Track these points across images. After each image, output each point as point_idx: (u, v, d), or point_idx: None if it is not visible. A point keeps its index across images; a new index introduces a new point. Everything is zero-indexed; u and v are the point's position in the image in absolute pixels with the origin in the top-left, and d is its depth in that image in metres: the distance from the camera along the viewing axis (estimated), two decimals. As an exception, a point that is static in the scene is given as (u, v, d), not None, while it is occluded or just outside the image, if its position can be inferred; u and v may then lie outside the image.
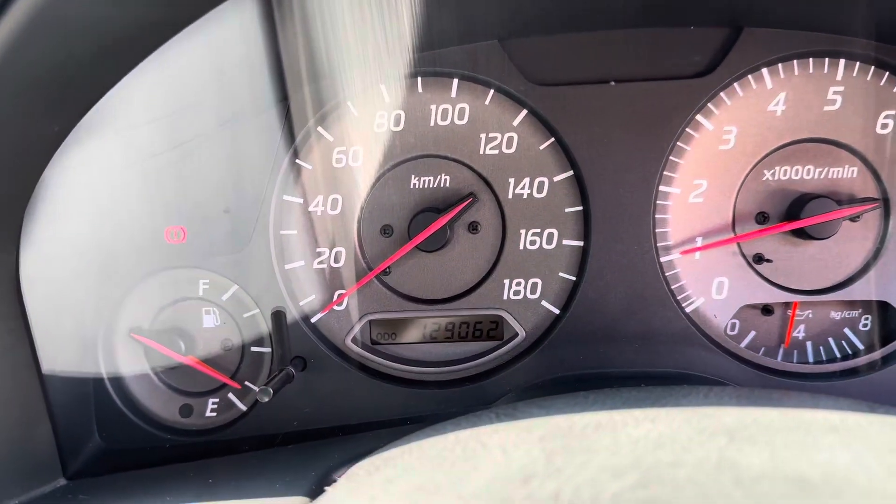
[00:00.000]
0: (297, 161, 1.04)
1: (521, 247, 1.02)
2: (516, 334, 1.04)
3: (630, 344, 0.99)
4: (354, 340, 1.06)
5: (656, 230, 1.00)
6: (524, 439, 0.54)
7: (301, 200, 1.04)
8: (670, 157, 0.99)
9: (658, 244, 1.00)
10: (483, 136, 1.02)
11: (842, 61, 0.93)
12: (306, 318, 1.06)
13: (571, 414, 0.60)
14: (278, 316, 1.04)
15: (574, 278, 1.02)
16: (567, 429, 0.55)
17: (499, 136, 1.01)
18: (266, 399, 0.92)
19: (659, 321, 0.99)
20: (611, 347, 1.00)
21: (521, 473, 0.47)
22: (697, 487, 0.41)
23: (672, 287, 1.01)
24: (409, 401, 1.03)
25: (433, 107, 1.02)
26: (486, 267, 1.04)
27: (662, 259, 1.00)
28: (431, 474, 0.52)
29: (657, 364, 0.99)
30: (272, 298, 1.04)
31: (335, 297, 1.05)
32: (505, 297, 1.04)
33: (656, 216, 1.00)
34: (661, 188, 0.99)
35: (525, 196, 1.02)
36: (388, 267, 1.05)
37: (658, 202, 1.00)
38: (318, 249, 1.05)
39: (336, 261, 1.05)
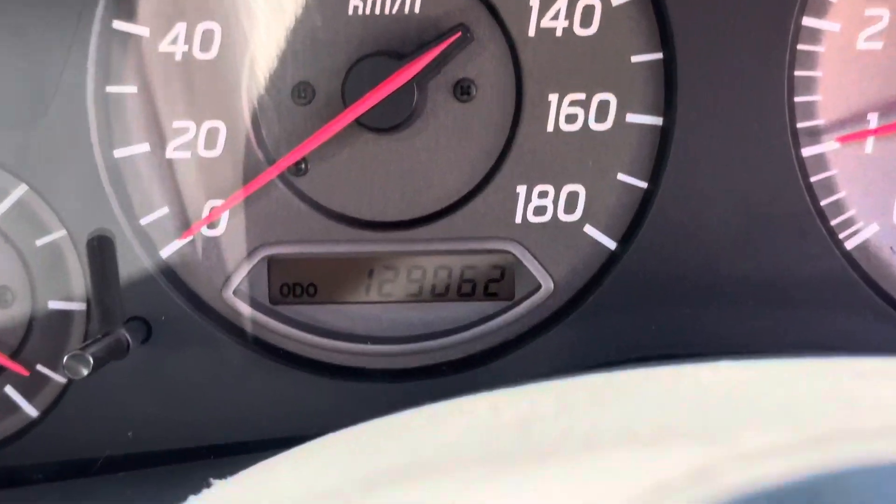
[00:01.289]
0: (137, -44, 1.10)
1: (551, 126, 1.09)
2: (538, 286, 1.11)
3: (741, 303, 1.07)
4: (240, 293, 1.12)
5: (795, 99, 1.07)
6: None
7: (145, 31, 1.10)
8: (824, -36, 1.06)
9: (798, 124, 1.07)
10: (484, -83, 1.09)
11: None
12: (152, 250, 1.12)
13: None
14: (101, 245, 1.09)
15: (644, 184, 1.09)
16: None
17: (513, -82, 1.08)
18: (84, 373, 0.98)
19: (795, 262, 1.06)
20: (706, 309, 1.07)
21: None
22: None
23: (821, 203, 1.08)
24: (339, 403, 1.11)
25: None
26: (486, 163, 1.11)
27: (805, 152, 1.07)
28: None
29: (788, 338, 1.06)
30: (90, 212, 1.10)
31: (205, 213, 1.11)
32: (518, 220, 1.11)
33: (795, 73, 1.06)
34: (806, 21, 1.06)
35: (559, 33, 1.08)
36: (304, 159, 1.11)
37: (800, 47, 1.06)
38: (174, 124, 1.11)
39: (209, 145, 1.11)
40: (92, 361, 0.98)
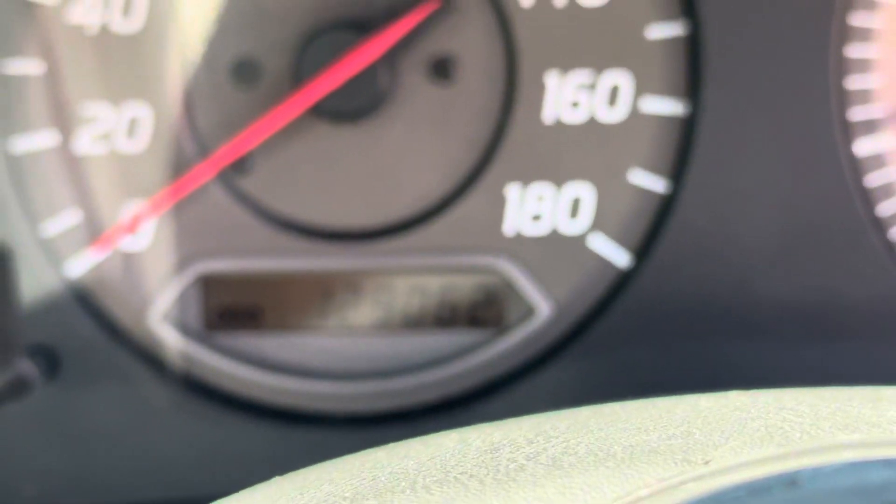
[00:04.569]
0: None
1: (549, 115, 1.22)
2: (533, 312, 1.24)
3: (781, 332, 1.20)
4: (168, 319, 1.25)
5: (846, 82, 1.19)
6: None
7: (53, -3, 1.23)
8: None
9: (847, 113, 1.19)
10: None
11: None
12: (59, 265, 1.24)
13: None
14: None
15: (664, 186, 1.22)
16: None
17: None
18: None
19: (847, 283, 1.19)
20: (739, 340, 1.20)
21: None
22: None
23: (877, 211, 1.20)
24: (289, 454, 1.19)
25: None
26: (470, 160, 1.24)
27: (858, 148, 1.19)
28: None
29: (839, 375, 1.16)
30: (-19, 217, 1.22)
31: (125, 219, 1.24)
32: (509, 230, 1.23)
33: (846, 50, 1.19)
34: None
35: (560, 1, 1.21)
36: (248, 154, 1.23)
37: (852, 18, 1.18)
38: (87, 109, 1.23)
39: (130, 136, 1.24)
40: (-10, 399, 1.09)
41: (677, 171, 1.21)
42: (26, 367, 1.18)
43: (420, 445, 0.82)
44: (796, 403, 0.77)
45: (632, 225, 1.23)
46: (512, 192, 1.23)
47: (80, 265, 1.25)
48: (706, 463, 0.63)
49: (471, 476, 0.68)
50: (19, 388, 1.17)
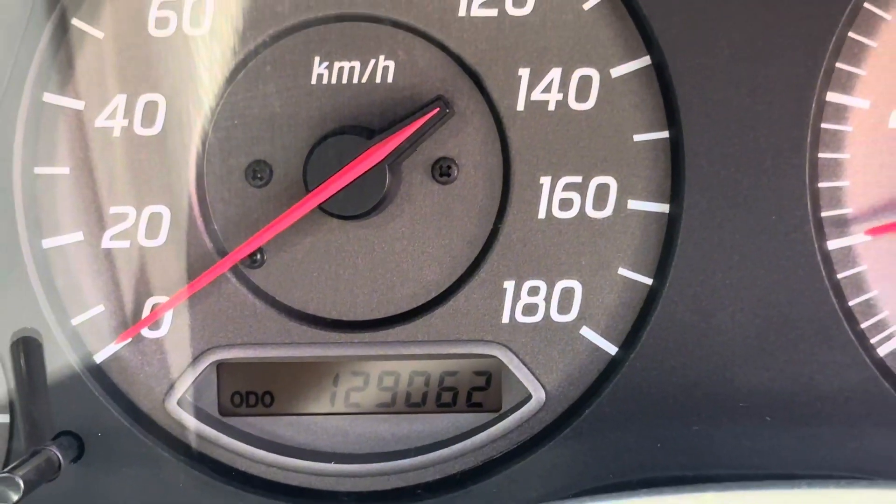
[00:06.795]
0: (74, 22, 1.29)
1: (542, 213, 1.29)
2: (528, 397, 1.31)
3: (758, 419, 1.26)
4: (185, 404, 1.32)
5: (819, 184, 1.26)
6: None
7: (80, 104, 1.30)
8: (850, 34, 1.23)
9: (822, 213, 1.26)
10: (466, -23, 1.28)
11: None
12: (85, 354, 1.32)
13: None
14: (27, 348, 1.28)
15: (649, 281, 1.29)
16: None
17: (499, -21, 1.27)
18: (14, 498, 1.13)
19: (820, 371, 1.25)
20: (719, 426, 1.26)
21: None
22: None
23: (850, 303, 1.26)
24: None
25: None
26: (469, 254, 1.31)
27: (831, 245, 1.26)
28: None
29: (813, 460, 1.25)
30: (14, 310, 1.29)
31: (146, 312, 1.32)
32: (506, 320, 1.30)
33: (819, 155, 1.26)
34: (831, 97, 1.25)
35: (552, 107, 1.28)
36: (260, 249, 1.31)
37: (824, 126, 1.25)
38: (111, 209, 1.30)
39: (150, 234, 1.31)
40: (22, 485, 1.13)
41: (661, 267, 1.28)
42: (54, 451, 1.24)
43: None
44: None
45: (619, 317, 1.30)
46: (507, 285, 1.29)
47: (104, 354, 1.32)
48: None
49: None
50: (48, 471, 1.22)
